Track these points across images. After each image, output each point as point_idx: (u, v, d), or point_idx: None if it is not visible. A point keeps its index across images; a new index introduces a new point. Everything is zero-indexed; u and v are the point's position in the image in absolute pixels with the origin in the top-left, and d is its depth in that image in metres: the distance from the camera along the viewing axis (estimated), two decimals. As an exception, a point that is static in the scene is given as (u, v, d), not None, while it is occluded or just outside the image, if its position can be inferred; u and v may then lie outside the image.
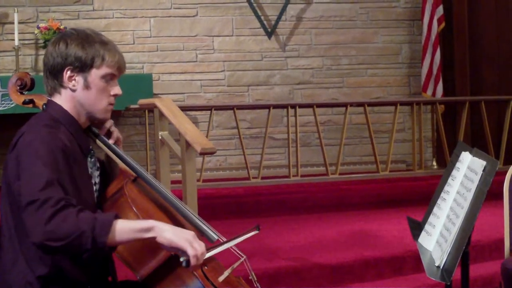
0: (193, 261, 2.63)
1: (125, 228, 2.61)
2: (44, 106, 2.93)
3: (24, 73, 3.08)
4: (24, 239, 2.73)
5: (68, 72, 2.84)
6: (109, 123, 3.02)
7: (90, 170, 2.93)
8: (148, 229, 2.63)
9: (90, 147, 2.98)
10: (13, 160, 2.73)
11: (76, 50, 2.82)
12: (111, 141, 3.02)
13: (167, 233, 2.64)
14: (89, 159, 2.94)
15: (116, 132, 3.05)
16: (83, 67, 2.83)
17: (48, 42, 7.26)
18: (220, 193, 6.91)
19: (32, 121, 2.83)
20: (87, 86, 2.85)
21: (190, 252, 2.63)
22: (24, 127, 2.79)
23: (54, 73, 2.86)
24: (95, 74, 2.85)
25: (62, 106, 2.87)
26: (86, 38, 2.85)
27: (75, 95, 2.86)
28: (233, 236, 2.97)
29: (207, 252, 2.81)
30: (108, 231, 2.56)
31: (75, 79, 2.85)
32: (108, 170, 3.11)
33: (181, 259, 2.63)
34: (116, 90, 2.91)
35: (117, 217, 2.63)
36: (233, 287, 2.92)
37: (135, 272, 2.75)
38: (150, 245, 2.71)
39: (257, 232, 3.04)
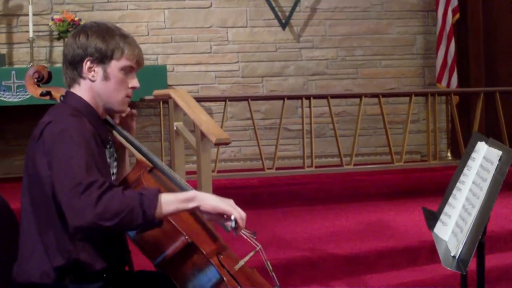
0: (240, 222, 2.74)
1: (169, 200, 2.66)
2: (61, 98, 2.96)
3: (41, 66, 3.11)
4: (45, 229, 2.76)
5: (88, 63, 2.87)
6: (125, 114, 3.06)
7: (108, 160, 2.98)
8: (190, 199, 2.71)
9: (109, 137, 3.01)
10: (40, 150, 2.74)
11: (96, 41, 2.87)
12: (127, 133, 3.04)
13: (210, 200, 2.73)
14: (108, 149, 2.98)
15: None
16: (103, 58, 2.87)
17: (62, 34, 7.33)
18: (234, 184, 6.90)
19: (55, 111, 2.85)
20: (106, 77, 2.89)
21: (236, 214, 2.74)
22: (48, 117, 2.80)
23: (74, 64, 2.89)
24: (114, 66, 2.89)
25: (81, 97, 2.90)
26: (107, 31, 2.90)
27: (94, 86, 2.90)
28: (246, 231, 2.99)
29: None
30: (156, 204, 2.61)
31: (94, 70, 2.89)
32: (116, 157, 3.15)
33: (232, 219, 2.73)
34: (134, 82, 2.96)
35: (159, 191, 2.68)
36: (248, 276, 2.94)
37: (151, 259, 2.78)
38: (167, 233, 2.75)
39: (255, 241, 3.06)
